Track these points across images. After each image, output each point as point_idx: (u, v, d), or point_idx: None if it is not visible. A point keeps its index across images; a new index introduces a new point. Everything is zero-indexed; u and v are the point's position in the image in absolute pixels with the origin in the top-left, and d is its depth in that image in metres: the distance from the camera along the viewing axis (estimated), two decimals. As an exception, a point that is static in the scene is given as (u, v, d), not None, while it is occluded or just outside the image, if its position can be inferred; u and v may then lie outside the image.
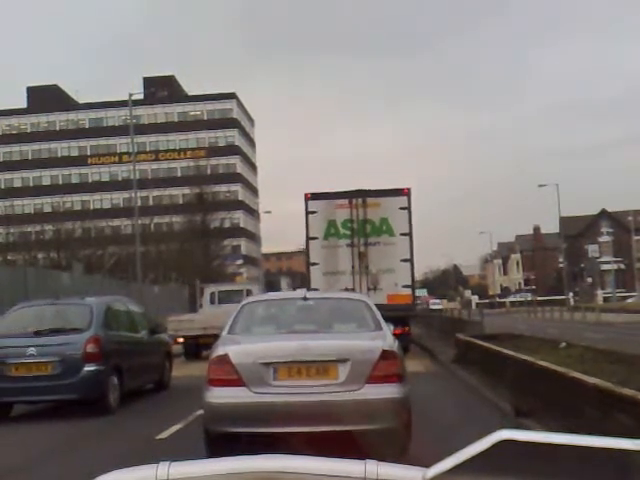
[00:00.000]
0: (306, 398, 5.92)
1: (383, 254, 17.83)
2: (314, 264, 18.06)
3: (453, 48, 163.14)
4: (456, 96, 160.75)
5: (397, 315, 13.50)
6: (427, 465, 0.92)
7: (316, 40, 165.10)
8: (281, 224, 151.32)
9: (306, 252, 18.89)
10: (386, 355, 6.12)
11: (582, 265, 73.59)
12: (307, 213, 18.18)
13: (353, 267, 17.88)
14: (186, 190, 68.27)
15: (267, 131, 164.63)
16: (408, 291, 17.65)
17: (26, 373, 9.68)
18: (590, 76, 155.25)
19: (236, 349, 6.27)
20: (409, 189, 18.22)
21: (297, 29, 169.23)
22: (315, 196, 18.41)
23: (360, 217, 18.11)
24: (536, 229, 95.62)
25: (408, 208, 17.99)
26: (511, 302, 63.65)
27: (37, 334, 9.93)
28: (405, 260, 17.76)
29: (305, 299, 7.31)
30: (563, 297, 67.06)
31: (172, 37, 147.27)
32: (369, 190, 18.50)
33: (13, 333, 10.12)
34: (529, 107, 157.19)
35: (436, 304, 59.54)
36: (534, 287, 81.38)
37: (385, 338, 6.55)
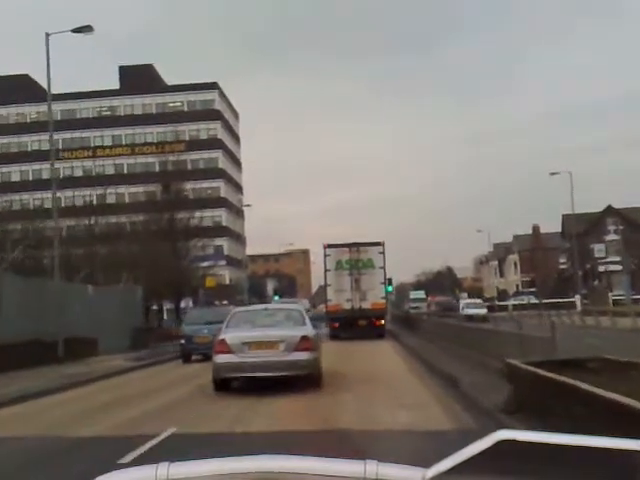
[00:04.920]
0: (263, 359, 12.53)
1: (369, 279, 31.37)
2: (329, 285, 32.09)
3: (448, 48, 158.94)
4: (454, 96, 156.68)
5: (376, 314, 31.11)
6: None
7: (302, 36, 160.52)
8: (268, 225, 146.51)
9: (324, 278, 32.60)
10: (303, 338, 12.84)
11: (588, 266, 68.79)
12: (325, 255, 32.18)
13: (351, 287, 31.38)
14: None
15: (254, 129, 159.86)
16: (383, 301, 31.99)
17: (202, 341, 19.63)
18: (590, 76, 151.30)
19: (229, 335, 13.01)
20: (384, 242, 32.24)
21: (283, 26, 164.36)
22: (330, 246, 32.27)
23: (355, 258, 31.69)
24: (535, 228, 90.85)
25: (383, 253, 31.91)
26: (513, 305, 58.62)
27: (207, 323, 20.17)
28: (382, 283, 31.85)
29: (266, 309, 15.50)
30: (570, 300, 62.30)
31: (152, 26, 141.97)
32: (361, 242, 32.39)
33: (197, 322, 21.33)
34: (526, 107, 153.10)
35: (473, 307, 45.78)
36: (534, 289, 76.36)
37: (305, 330, 13.26)
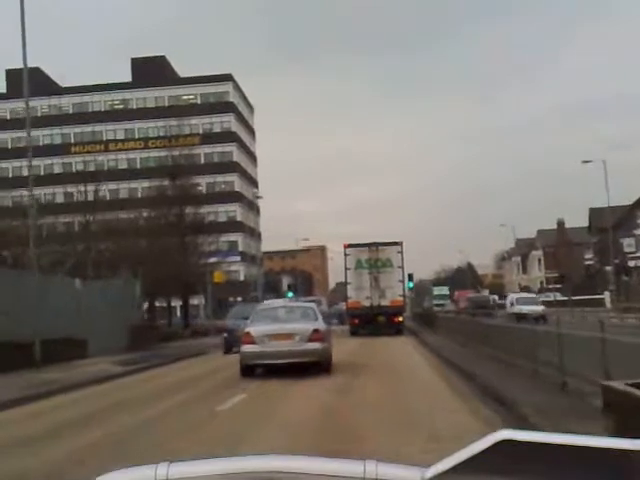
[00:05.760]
0: (282, 348, 14.58)
1: (387, 277, 32.83)
2: (349, 283, 33.48)
3: (460, 44, 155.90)
4: (471, 91, 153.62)
5: (395, 311, 32.61)
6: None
7: (318, 32, 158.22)
8: (283, 222, 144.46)
9: (345, 276, 33.76)
10: (315, 331, 15.00)
11: (616, 260, 65.77)
12: (345, 255, 33.41)
13: (371, 285, 32.80)
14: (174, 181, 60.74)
15: (270, 124, 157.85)
16: (401, 298, 33.76)
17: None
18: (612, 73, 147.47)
19: (253, 329, 15.20)
20: (402, 242, 33.73)
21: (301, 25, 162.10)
22: (350, 245, 33.62)
23: (374, 257, 33.11)
24: (560, 223, 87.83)
25: (401, 252, 33.34)
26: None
27: (245, 318, 18.21)
28: (400, 281, 33.64)
29: (284, 307, 17.90)
30: (599, 296, 59.54)
31: (164, 17, 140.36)
32: (380, 242, 33.63)
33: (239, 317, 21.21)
34: (545, 103, 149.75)
35: (527, 303, 36.50)
36: (559, 286, 73.44)
37: (317, 324, 15.51)
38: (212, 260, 46.59)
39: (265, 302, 25.90)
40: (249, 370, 14.82)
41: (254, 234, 70.31)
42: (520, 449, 0.87)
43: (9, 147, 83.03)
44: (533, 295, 43.16)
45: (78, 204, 37.97)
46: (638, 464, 0.85)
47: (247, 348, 14.81)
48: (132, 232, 36.81)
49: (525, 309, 34.27)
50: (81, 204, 36.43)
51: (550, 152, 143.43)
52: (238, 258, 77.69)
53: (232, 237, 78.01)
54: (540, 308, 35.73)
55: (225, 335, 23.11)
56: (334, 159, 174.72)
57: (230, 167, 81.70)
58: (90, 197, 37.48)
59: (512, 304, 38.26)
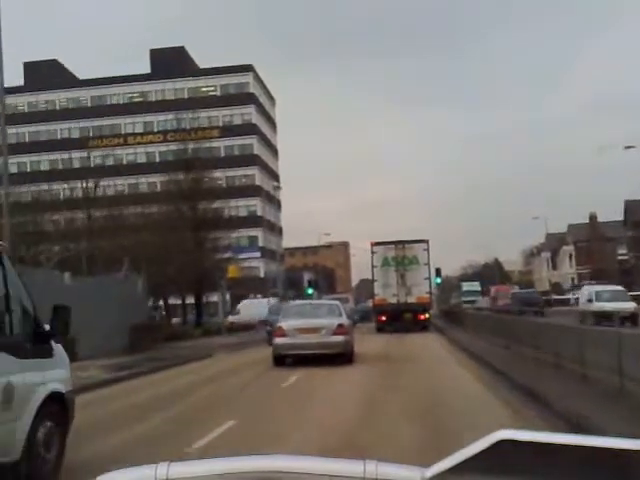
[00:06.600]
0: (309, 341, 16.45)
1: (414, 275, 33.61)
2: (376, 280, 34.10)
3: (478, 44, 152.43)
4: (499, 90, 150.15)
5: (421, 308, 33.39)
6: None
7: (339, 25, 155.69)
8: (304, 218, 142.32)
9: (372, 274, 34.57)
10: (339, 325, 16.90)
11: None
12: (372, 252, 34.33)
13: (397, 282, 33.65)
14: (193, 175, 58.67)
15: (290, 119, 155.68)
16: (428, 295, 34.48)
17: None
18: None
19: (284, 323, 17.18)
20: (428, 240, 34.67)
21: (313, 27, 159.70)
22: (376, 243, 34.50)
23: (401, 255, 33.93)
24: (592, 217, 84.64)
25: (427, 250, 34.20)
26: (575, 299, 52.85)
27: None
28: (426, 278, 34.18)
29: (311, 304, 20.85)
30: (637, 293, 56.39)
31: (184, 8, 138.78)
32: (406, 240, 34.49)
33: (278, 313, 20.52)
34: (574, 99, 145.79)
35: (611, 300, 28.58)
36: (593, 282, 70.26)
37: (341, 319, 17.42)
38: (227, 255, 44.54)
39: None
40: (281, 360, 16.82)
41: (275, 229, 68.25)
42: (520, 449, 0.86)
43: (26, 140, 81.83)
44: (619, 288, 32.68)
45: (78, 200, 36.14)
46: (638, 464, 0.84)
47: (279, 340, 16.99)
48: (139, 227, 34.95)
49: (609, 306, 26.65)
50: (82, 200, 34.58)
51: (577, 146, 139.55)
52: (258, 254, 75.68)
53: (252, 232, 76.01)
54: (631, 306, 28.21)
55: (268, 329, 24.85)
56: (356, 155, 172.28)
57: (250, 160, 79.66)
58: (94, 193, 35.64)
59: (590, 300, 30.51)
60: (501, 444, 0.86)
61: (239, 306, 44.25)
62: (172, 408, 10.96)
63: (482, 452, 0.87)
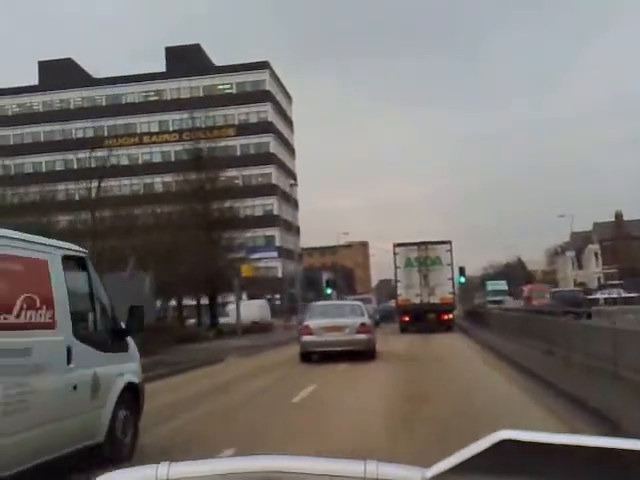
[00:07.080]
0: (334, 338, 17.56)
1: (436, 275, 33.73)
2: (399, 281, 34.58)
3: (491, 41, 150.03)
4: (516, 86, 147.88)
5: (445, 309, 33.19)
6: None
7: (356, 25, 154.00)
8: (321, 217, 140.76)
9: (394, 275, 35.19)
10: (362, 324, 18.06)
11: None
12: (394, 254, 34.59)
13: (420, 283, 33.87)
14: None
15: (307, 120, 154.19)
16: (451, 296, 34.37)
17: None
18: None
19: (311, 322, 18.34)
20: (451, 241, 34.83)
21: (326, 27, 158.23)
22: (399, 245, 34.82)
23: (424, 255, 34.18)
24: (618, 215, 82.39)
25: (450, 251, 34.31)
26: (605, 299, 50.79)
27: None
28: (449, 279, 34.26)
29: (334, 305, 22.39)
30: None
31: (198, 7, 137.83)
32: (429, 241, 34.84)
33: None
34: (592, 97, 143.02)
35: None
36: (621, 282, 67.99)
37: (364, 319, 18.55)
38: (240, 255, 43.08)
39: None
40: (307, 356, 17.89)
41: (292, 229, 66.90)
42: (520, 449, 0.86)
43: (42, 140, 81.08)
44: None
45: (85, 200, 34.89)
46: (638, 464, 0.84)
47: (306, 338, 18.01)
48: (150, 226, 33.63)
49: None
50: (89, 200, 33.29)
51: (598, 145, 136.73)
52: (275, 254, 74.27)
53: (269, 232, 74.62)
54: None
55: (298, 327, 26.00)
56: (360, 155, 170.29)
57: (267, 159, 78.28)
58: (98, 193, 34.34)
59: None
60: (502, 444, 0.86)
61: (230, 307, 42.39)
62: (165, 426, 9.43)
63: (483, 452, 0.86)
